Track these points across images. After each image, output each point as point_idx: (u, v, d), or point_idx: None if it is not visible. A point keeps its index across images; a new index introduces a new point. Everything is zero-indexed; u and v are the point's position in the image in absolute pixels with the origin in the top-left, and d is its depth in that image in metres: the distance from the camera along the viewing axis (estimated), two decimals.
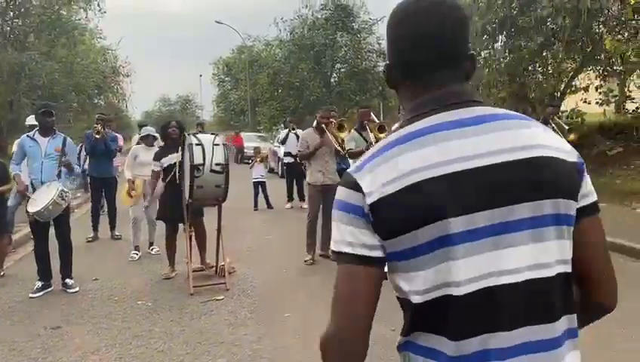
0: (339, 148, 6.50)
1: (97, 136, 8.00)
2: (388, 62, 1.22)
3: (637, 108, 11.99)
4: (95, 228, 8.38)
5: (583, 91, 13.04)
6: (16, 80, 17.27)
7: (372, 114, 6.85)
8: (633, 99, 12.08)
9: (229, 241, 7.37)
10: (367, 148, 6.09)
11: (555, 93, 13.59)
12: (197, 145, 5.28)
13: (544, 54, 12.71)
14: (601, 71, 12.96)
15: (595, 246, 1.17)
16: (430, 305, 1.06)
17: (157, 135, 7.36)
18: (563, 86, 13.69)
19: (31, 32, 18.01)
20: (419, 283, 1.06)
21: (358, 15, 26.85)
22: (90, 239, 8.28)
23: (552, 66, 13.50)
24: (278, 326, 4.59)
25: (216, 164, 5.27)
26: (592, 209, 1.15)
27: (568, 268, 1.10)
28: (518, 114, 1.16)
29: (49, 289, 5.75)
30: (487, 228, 1.04)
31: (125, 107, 30.78)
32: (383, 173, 1.07)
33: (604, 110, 12.58)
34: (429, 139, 1.08)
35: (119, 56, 26.27)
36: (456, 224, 1.03)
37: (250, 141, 24.24)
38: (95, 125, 8.16)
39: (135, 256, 7.08)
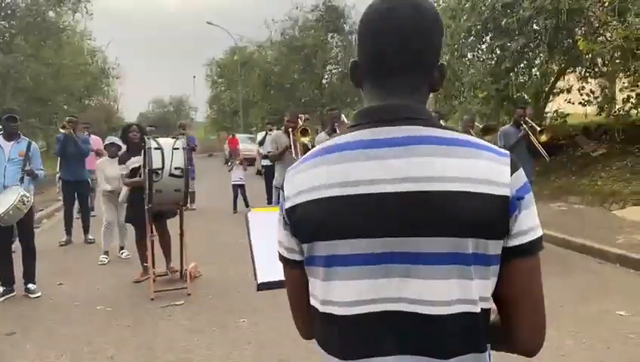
0: (293, 152, 6.54)
1: (63, 130, 7.95)
2: (355, 59, 1.15)
3: (619, 109, 11.97)
4: (68, 231, 8.34)
5: (565, 92, 13.04)
6: (3, 82, 17.22)
7: (343, 116, 6.96)
8: (614, 100, 12.05)
9: (201, 244, 7.37)
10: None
11: (541, 94, 13.60)
12: (156, 149, 5.24)
13: (526, 55, 12.69)
14: (582, 72, 12.95)
15: (522, 292, 1.06)
16: (324, 318, 1.09)
17: (122, 144, 7.30)
18: (547, 87, 13.69)
19: (17, 34, 17.95)
20: (319, 292, 1.11)
21: (349, 16, 26.86)
22: (62, 243, 8.24)
23: (538, 67, 13.49)
24: (232, 332, 4.56)
25: (176, 168, 5.24)
26: (525, 250, 1.03)
27: (475, 308, 1.02)
28: (464, 138, 1.05)
29: (11, 295, 5.70)
30: (381, 256, 1.02)
31: (116, 108, 30.73)
32: (298, 182, 1.10)
33: (586, 112, 12.57)
34: (345, 156, 1.06)
35: (108, 58, 26.20)
36: (345, 247, 1.03)
37: (241, 143, 24.18)
38: (63, 124, 8.19)
39: (104, 259, 7.04)
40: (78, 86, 22.01)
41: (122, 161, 6.17)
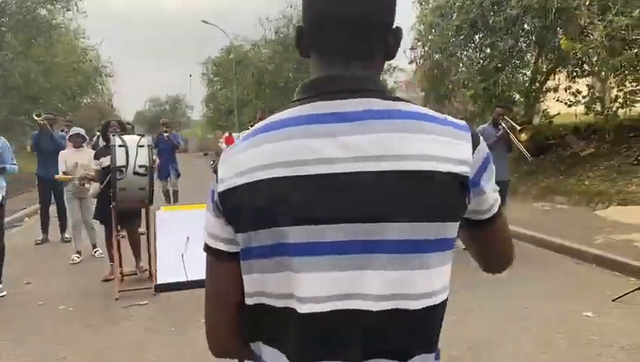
0: None
1: (37, 118, 7.92)
2: (301, 25, 1.02)
3: (608, 108, 11.89)
4: (44, 230, 8.26)
5: (553, 92, 12.97)
6: None
7: None
8: (601, 99, 11.97)
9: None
10: None
11: (531, 94, 13.52)
12: (120, 146, 5.17)
13: (514, 54, 12.62)
14: (570, 72, 12.88)
15: (493, 244, 1.12)
16: (277, 314, 0.95)
17: (86, 136, 7.22)
18: (537, 86, 13.61)
19: (7, 32, 17.87)
20: (267, 285, 0.95)
21: None
22: (38, 242, 8.17)
23: (526, 66, 13.42)
24: (191, 333, 4.47)
25: (140, 166, 5.16)
26: (494, 218, 1.06)
27: (434, 301, 0.94)
28: (423, 112, 0.96)
29: None
30: (339, 245, 0.90)
31: (111, 107, 30.63)
32: (236, 163, 0.96)
33: (576, 111, 12.51)
34: (291, 132, 0.93)
35: (102, 56, 26.09)
36: (295, 234, 0.90)
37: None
38: (39, 112, 8.17)
39: (76, 259, 6.96)
40: (70, 84, 21.93)
41: (97, 157, 6.10)
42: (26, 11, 17.59)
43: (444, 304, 0.98)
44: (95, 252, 7.21)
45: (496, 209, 1.05)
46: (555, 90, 12.71)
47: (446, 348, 3.83)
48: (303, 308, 0.91)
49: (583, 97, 12.16)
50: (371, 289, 0.90)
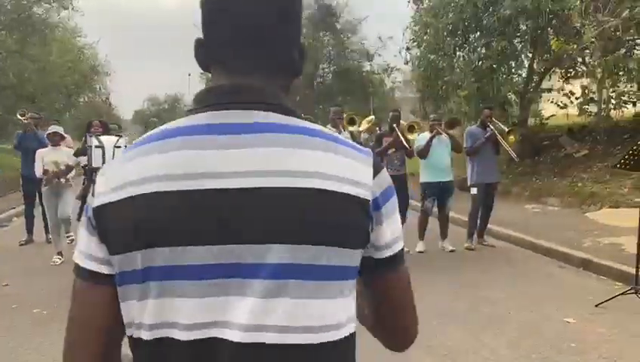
0: None
1: (21, 117, 7.89)
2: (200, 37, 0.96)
3: (602, 110, 11.82)
4: (29, 230, 8.18)
5: (547, 92, 12.91)
6: None
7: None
8: (595, 100, 11.89)
9: None
10: None
11: (525, 95, 13.44)
12: (97, 147, 5.10)
13: (509, 54, 12.54)
14: (564, 73, 12.81)
15: (390, 303, 0.96)
16: (155, 346, 0.85)
17: (66, 135, 7.16)
18: (532, 87, 13.53)
19: (1, 30, 17.81)
20: (144, 315, 0.86)
21: (342, 15, 26.67)
22: (22, 242, 8.10)
23: (520, 67, 13.35)
24: None
25: None
26: (390, 263, 0.92)
27: (323, 337, 0.84)
28: (323, 131, 0.90)
29: None
30: (216, 268, 0.82)
31: (109, 106, 30.56)
32: (115, 176, 0.87)
33: (567, 113, 12.45)
34: (173, 143, 0.86)
35: (98, 55, 26.00)
36: (166, 256, 0.82)
37: None
38: (23, 111, 8.15)
39: (57, 260, 6.88)
40: (67, 83, 21.83)
41: (77, 154, 6.07)
42: (21, 10, 17.52)
43: (341, 342, 0.87)
44: (68, 237, 7.22)
45: (397, 250, 0.93)
46: (549, 90, 12.64)
47: (422, 355, 3.74)
48: (181, 336, 0.84)
49: (576, 98, 12.08)
50: (240, 318, 0.82)
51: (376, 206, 0.88)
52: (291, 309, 0.82)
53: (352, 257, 0.86)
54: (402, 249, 0.94)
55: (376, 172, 0.90)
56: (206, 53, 0.94)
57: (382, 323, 0.99)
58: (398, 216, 0.93)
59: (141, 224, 0.83)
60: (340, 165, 0.86)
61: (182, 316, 0.83)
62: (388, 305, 0.96)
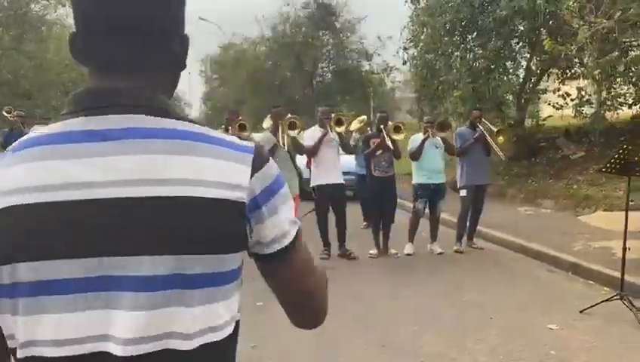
0: None
1: (7, 115, 7.91)
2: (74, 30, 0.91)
3: (598, 111, 11.72)
4: None
5: (543, 93, 12.83)
6: None
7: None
8: (592, 103, 11.80)
9: None
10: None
11: (521, 96, 13.34)
12: None
13: (505, 54, 12.45)
14: (560, 74, 12.72)
15: (290, 295, 0.98)
16: None
17: None
18: (529, 87, 13.43)
19: None
20: (18, 331, 0.83)
21: (341, 14, 26.56)
22: None
23: (516, 68, 13.25)
24: None
25: None
26: (281, 256, 0.91)
27: (210, 338, 0.85)
28: (198, 131, 0.86)
29: None
30: (87, 281, 0.80)
31: None
32: None
33: (562, 114, 12.38)
34: (44, 152, 0.83)
35: None
36: (31, 271, 0.80)
37: None
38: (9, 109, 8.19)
39: None
40: (64, 80, 21.77)
41: None
42: (18, 6, 17.49)
43: (223, 342, 0.88)
44: None
45: (286, 243, 0.91)
46: (544, 91, 12.56)
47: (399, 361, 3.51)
48: (45, 352, 0.81)
49: (572, 100, 11.99)
50: (120, 332, 0.81)
51: (255, 206, 0.86)
52: (168, 318, 0.82)
53: (223, 262, 0.85)
54: (294, 239, 0.92)
55: (256, 169, 0.87)
56: (78, 49, 0.88)
57: (286, 308, 1.00)
58: (287, 207, 0.91)
59: (15, 237, 0.80)
60: (213, 169, 0.84)
61: (51, 332, 0.81)
62: (288, 294, 0.97)
